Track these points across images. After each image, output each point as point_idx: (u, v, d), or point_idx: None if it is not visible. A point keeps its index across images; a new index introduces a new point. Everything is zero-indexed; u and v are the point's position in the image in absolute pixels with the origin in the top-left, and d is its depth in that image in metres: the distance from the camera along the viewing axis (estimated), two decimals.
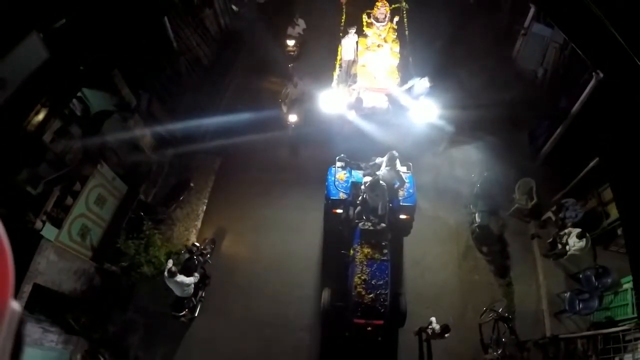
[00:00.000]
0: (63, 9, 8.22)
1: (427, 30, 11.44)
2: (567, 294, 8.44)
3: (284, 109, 9.85)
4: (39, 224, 7.02)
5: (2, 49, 6.89)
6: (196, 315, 8.08)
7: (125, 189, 9.31)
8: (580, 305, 8.29)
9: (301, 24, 12.23)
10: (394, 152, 7.58)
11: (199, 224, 9.39)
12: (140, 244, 8.28)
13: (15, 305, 0.77)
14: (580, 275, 8.63)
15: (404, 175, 7.91)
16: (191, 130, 10.08)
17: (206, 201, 9.63)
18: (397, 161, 7.61)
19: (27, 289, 6.59)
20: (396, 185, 7.71)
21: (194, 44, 11.46)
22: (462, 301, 8.67)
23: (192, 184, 9.33)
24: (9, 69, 7.00)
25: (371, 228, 7.24)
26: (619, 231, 9.12)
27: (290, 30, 12.14)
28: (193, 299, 7.78)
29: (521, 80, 11.76)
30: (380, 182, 7.18)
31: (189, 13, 11.41)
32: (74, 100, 8.86)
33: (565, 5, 9.36)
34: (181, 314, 7.58)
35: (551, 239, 9.20)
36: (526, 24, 11.87)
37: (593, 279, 8.43)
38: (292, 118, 9.82)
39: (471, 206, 9.34)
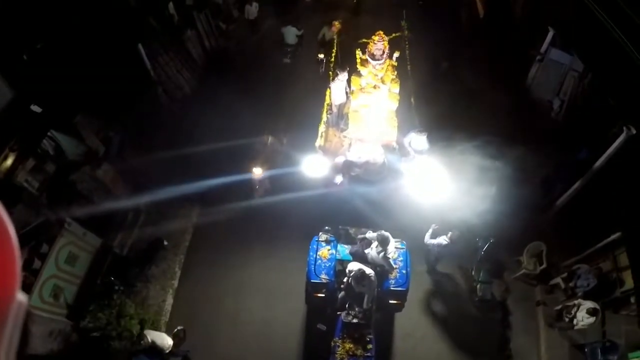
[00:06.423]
0: (26, 42, 7.50)
1: (427, 56, 10.22)
2: None
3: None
4: None
5: None
6: None
7: (99, 242, 8.66)
8: None
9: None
10: (385, 233, 6.52)
11: (175, 282, 8.70)
12: (111, 314, 7.69)
13: (22, 297, 0.74)
14: (586, 349, 7.97)
15: (396, 253, 7.01)
16: (168, 173, 9.23)
17: (183, 257, 8.91)
18: (390, 244, 6.61)
19: None
20: (385, 269, 6.84)
21: (174, 71, 10.41)
22: None
23: (165, 243, 8.59)
24: None
25: (354, 321, 6.47)
26: (632, 299, 8.36)
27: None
28: None
29: (536, 112, 10.59)
30: (367, 273, 6.26)
31: (168, 36, 10.30)
32: (45, 140, 8.20)
33: (599, 48, 8.10)
34: None
35: (559, 308, 8.40)
36: (543, 49, 10.56)
37: (599, 352, 7.77)
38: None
39: (473, 273, 8.47)
